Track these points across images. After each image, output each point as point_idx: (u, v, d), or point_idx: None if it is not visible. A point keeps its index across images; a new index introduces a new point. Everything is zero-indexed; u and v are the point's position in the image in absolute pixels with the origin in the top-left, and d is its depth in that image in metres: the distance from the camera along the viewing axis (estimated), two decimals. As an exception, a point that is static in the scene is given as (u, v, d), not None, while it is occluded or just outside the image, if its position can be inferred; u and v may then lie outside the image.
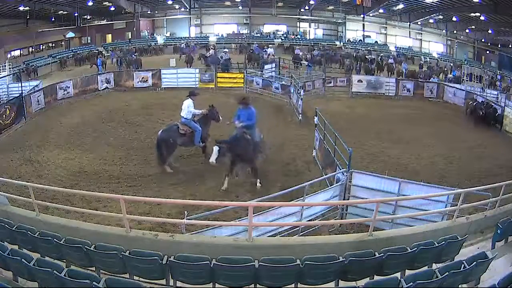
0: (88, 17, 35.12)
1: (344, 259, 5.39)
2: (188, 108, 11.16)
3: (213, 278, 5.36)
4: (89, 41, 35.48)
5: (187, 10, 37.93)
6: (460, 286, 5.30)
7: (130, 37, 36.96)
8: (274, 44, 35.70)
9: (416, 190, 8.03)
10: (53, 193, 9.27)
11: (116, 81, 21.27)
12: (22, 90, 16.56)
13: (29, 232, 5.86)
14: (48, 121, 16.18)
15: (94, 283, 4.62)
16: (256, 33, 38.84)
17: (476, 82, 23.85)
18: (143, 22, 37.74)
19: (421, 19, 36.04)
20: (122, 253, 5.40)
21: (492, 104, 18.43)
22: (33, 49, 31.14)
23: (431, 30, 36.83)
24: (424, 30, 37.01)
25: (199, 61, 26.98)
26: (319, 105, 15.75)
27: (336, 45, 37.37)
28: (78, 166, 11.74)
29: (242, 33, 38.75)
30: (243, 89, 21.57)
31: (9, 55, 28.68)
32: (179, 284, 5.41)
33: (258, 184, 10.31)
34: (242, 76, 21.95)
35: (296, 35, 38.90)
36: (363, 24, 37.92)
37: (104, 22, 36.19)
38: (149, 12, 38.00)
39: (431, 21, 36.06)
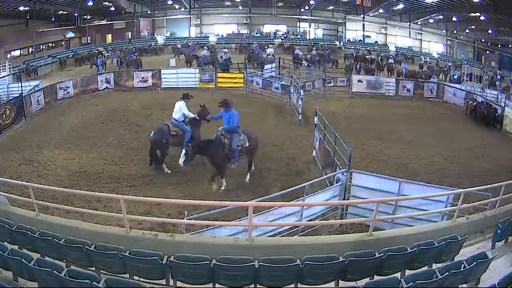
0: (88, 17, 35.13)
1: (344, 259, 5.39)
2: (180, 110, 11.10)
3: (213, 278, 5.36)
4: (89, 41, 35.49)
5: (187, 10, 37.95)
6: (460, 286, 5.29)
7: (130, 37, 36.97)
8: (274, 44, 35.71)
9: (416, 190, 8.03)
10: (53, 193, 9.26)
11: (116, 81, 21.28)
12: (22, 90, 16.56)
13: (29, 232, 5.86)
14: (48, 121, 16.18)
15: (94, 283, 4.62)
16: (256, 33, 38.84)
17: (476, 82, 23.85)
18: (143, 22, 37.76)
19: (421, 19, 36.05)
20: (122, 253, 5.40)
21: (492, 104, 18.44)
22: (33, 49, 31.14)
23: (431, 30, 36.83)
24: (424, 30, 37.02)
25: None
26: (319, 105, 15.76)
27: (336, 45, 37.38)
28: (78, 166, 11.74)
29: (242, 33, 38.76)
30: (243, 89, 21.61)
31: (9, 55, 28.67)
32: (179, 284, 5.41)
33: (216, 186, 10.16)
34: (242, 76, 21.96)
35: (296, 35, 38.91)
36: (363, 24, 37.93)
37: (104, 22, 36.19)
38: (149, 12, 38.01)
39: (431, 21, 36.07)
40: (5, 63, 24.20)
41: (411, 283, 4.76)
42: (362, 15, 37.33)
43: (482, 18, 30.62)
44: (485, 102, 18.84)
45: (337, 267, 5.38)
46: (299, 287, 5.47)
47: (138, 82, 21.56)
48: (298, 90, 18.29)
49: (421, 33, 37.15)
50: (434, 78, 25.36)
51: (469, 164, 12.76)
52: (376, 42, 38.12)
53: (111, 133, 14.68)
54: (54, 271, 4.77)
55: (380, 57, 30.98)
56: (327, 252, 5.61)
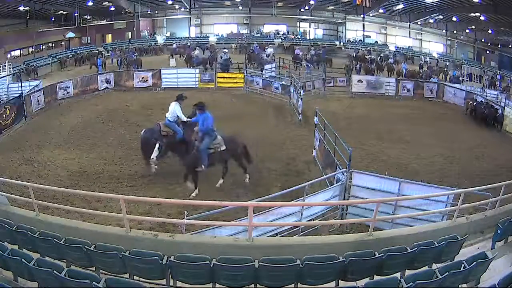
0: (88, 17, 35.11)
1: (344, 259, 5.39)
2: (174, 111, 11.06)
3: (213, 278, 5.36)
4: (89, 41, 35.47)
5: (187, 10, 37.94)
6: (460, 286, 5.29)
7: (130, 37, 36.96)
8: (274, 44, 35.71)
9: (416, 190, 8.03)
10: (53, 193, 9.26)
11: (116, 81, 21.29)
12: (22, 90, 16.57)
13: (29, 232, 5.85)
14: (48, 121, 16.19)
15: (94, 283, 4.62)
16: (256, 33, 38.84)
17: (476, 82, 23.85)
18: (143, 22, 37.74)
19: (421, 19, 36.04)
20: (122, 253, 5.40)
21: (492, 104, 18.44)
22: (33, 49, 31.12)
23: (431, 30, 36.82)
24: (424, 30, 37.01)
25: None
26: (319, 105, 15.76)
27: (336, 45, 37.39)
28: (78, 166, 11.74)
29: (242, 33, 38.76)
30: (243, 89, 21.61)
31: (9, 55, 28.66)
32: (179, 284, 5.41)
33: (189, 186, 10.12)
34: (242, 76, 21.96)
35: (296, 35, 38.90)
36: (363, 24, 37.92)
37: (104, 22, 36.17)
38: (149, 12, 38.00)
39: (431, 21, 36.06)
40: (5, 63, 24.19)
41: (411, 283, 4.76)
42: (362, 15, 37.32)
43: (482, 18, 30.60)
44: (485, 102, 18.84)
45: (337, 267, 5.38)
46: (299, 287, 5.47)
47: (138, 82, 21.57)
48: (298, 90, 18.30)
49: (421, 33, 37.14)
50: (434, 78, 25.37)
51: (469, 164, 12.76)
52: (376, 42, 38.12)
53: (111, 133, 14.68)
54: (54, 271, 4.77)
55: (379, 57, 30.96)
56: (327, 252, 5.61)
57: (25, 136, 14.42)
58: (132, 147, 13.21)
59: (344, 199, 8.54)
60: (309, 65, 27.14)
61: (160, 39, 36.93)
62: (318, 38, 38.73)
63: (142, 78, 21.68)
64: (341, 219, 8.55)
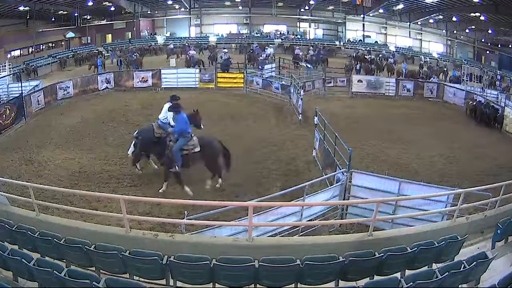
0: (88, 17, 35.11)
1: (344, 259, 5.38)
2: (166, 112, 10.93)
3: (213, 278, 5.36)
4: (89, 41, 35.49)
5: (187, 10, 37.95)
6: (460, 286, 5.29)
7: (130, 37, 36.98)
8: (274, 44, 35.72)
9: (416, 190, 8.03)
10: (53, 193, 9.26)
11: (116, 81, 21.28)
12: (22, 90, 16.56)
13: (29, 232, 5.85)
14: (48, 121, 16.19)
15: (94, 283, 4.61)
16: (256, 33, 38.84)
17: (476, 82, 23.84)
18: (143, 22, 37.76)
19: (421, 19, 36.05)
20: (122, 253, 5.40)
21: (492, 104, 18.43)
22: (33, 49, 31.13)
23: (431, 30, 36.83)
24: (424, 30, 37.02)
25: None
26: (319, 105, 15.76)
27: (336, 45, 37.39)
28: (78, 166, 11.74)
29: (242, 33, 38.75)
30: (243, 89, 21.61)
31: (9, 55, 28.65)
32: (179, 284, 5.41)
33: (163, 188, 10.13)
34: (242, 76, 21.96)
35: (296, 35, 38.90)
36: (363, 24, 37.94)
37: (104, 22, 36.19)
38: (149, 12, 38.02)
39: (431, 21, 36.07)
40: (5, 63, 24.18)
41: (411, 283, 4.76)
42: (362, 15, 37.34)
43: (482, 18, 30.62)
44: (485, 102, 18.84)
45: (337, 267, 5.38)
46: (299, 287, 5.47)
47: (138, 82, 21.57)
48: (298, 90, 18.30)
49: (421, 33, 37.15)
50: (434, 78, 25.36)
51: (469, 164, 12.75)
52: (376, 42, 38.13)
53: (111, 133, 14.68)
54: (54, 271, 4.77)
55: (378, 57, 30.95)
56: (327, 252, 5.60)
57: (25, 136, 14.42)
58: (132, 147, 13.22)
59: (344, 199, 8.54)
60: (309, 65, 27.15)
61: (160, 39, 36.94)
62: (318, 38, 38.74)
63: (142, 78, 21.68)
64: (341, 219, 8.55)
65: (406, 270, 5.76)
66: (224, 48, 29.60)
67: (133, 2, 36.13)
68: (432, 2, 32.60)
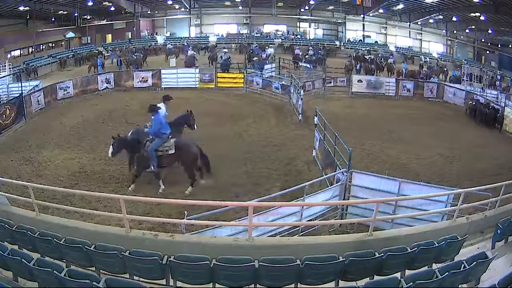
0: (88, 17, 35.11)
1: (344, 259, 5.38)
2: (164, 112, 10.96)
3: (213, 278, 5.36)
4: (89, 41, 35.48)
5: (187, 10, 37.95)
6: (460, 286, 5.29)
7: (130, 37, 36.97)
8: (274, 44, 35.71)
9: (416, 190, 8.03)
10: (53, 193, 9.26)
11: (116, 81, 21.28)
12: (22, 90, 16.56)
13: (29, 232, 5.85)
14: (48, 121, 16.19)
15: (94, 283, 4.61)
16: (256, 33, 38.83)
17: (476, 82, 23.84)
18: (143, 22, 37.76)
19: (421, 19, 36.04)
20: (122, 253, 5.40)
21: (492, 104, 18.44)
22: (33, 49, 31.13)
23: (431, 30, 36.83)
24: (424, 30, 37.01)
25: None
26: (319, 105, 15.76)
27: (336, 45, 37.38)
28: (78, 166, 11.74)
29: (242, 33, 38.74)
30: (243, 89, 21.61)
31: (9, 55, 28.67)
32: (179, 284, 5.40)
33: (131, 187, 10.19)
34: (242, 76, 21.97)
35: (296, 35, 38.89)
36: (363, 24, 37.94)
37: (104, 22, 36.17)
38: (149, 12, 38.01)
39: (431, 21, 36.05)
40: (5, 63, 24.19)
41: (411, 283, 4.76)
42: (362, 15, 37.34)
43: (482, 18, 30.60)
44: (485, 102, 18.83)
45: (337, 267, 5.38)
46: (299, 287, 5.47)
47: (138, 82, 21.57)
48: (298, 90, 18.30)
49: (421, 33, 37.15)
50: (434, 78, 25.35)
51: (469, 164, 12.75)
52: (376, 42, 38.12)
53: (111, 133, 14.57)
54: (54, 271, 4.76)
55: (377, 57, 30.94)
56: (327, 252, 5.60)
57: (25, 136, 14.42)
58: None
59: (344, 199, 8.54)
60: (309, 66, 27.15)
61: (160, 39, 36.94)
62: (318, 38, 38.74)
63: (142, 78, 21.68)
64: (341, 219, 8.54)
65: (406, 270, 5.76)
66: (224, 48, 29.61)
67: (133, 2, 36.13)
68: (432, 2, 32.59)
